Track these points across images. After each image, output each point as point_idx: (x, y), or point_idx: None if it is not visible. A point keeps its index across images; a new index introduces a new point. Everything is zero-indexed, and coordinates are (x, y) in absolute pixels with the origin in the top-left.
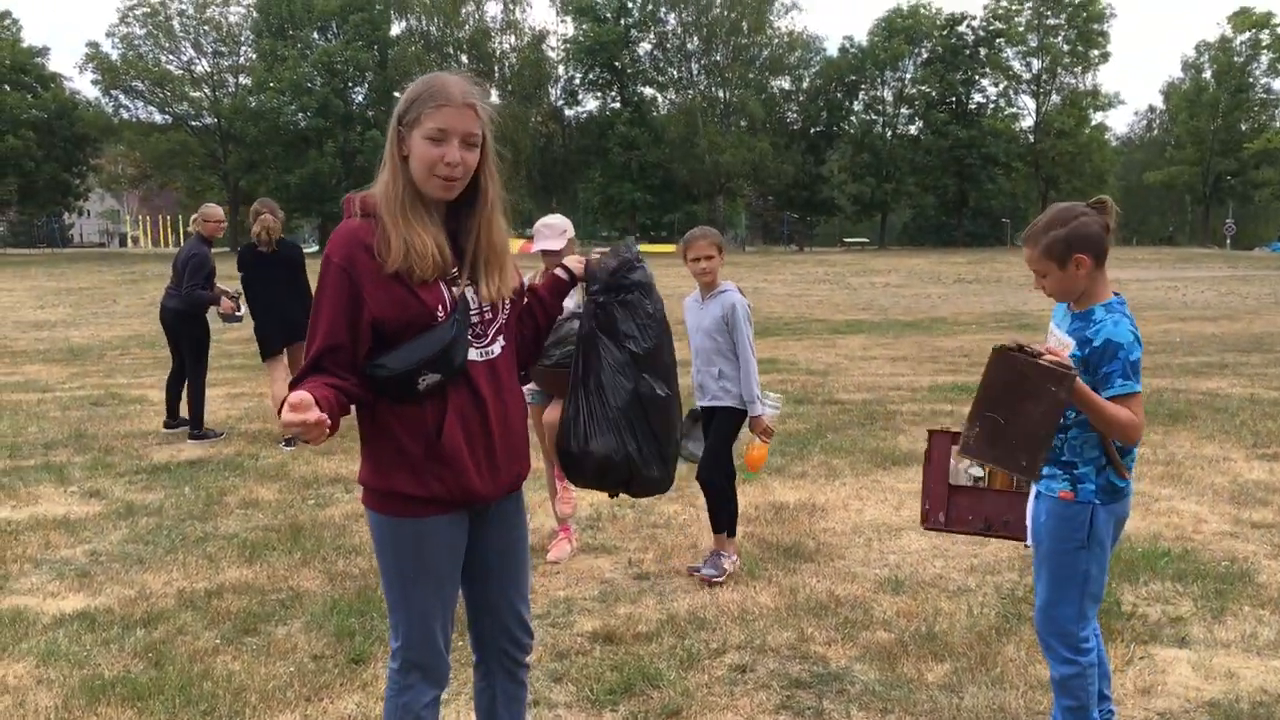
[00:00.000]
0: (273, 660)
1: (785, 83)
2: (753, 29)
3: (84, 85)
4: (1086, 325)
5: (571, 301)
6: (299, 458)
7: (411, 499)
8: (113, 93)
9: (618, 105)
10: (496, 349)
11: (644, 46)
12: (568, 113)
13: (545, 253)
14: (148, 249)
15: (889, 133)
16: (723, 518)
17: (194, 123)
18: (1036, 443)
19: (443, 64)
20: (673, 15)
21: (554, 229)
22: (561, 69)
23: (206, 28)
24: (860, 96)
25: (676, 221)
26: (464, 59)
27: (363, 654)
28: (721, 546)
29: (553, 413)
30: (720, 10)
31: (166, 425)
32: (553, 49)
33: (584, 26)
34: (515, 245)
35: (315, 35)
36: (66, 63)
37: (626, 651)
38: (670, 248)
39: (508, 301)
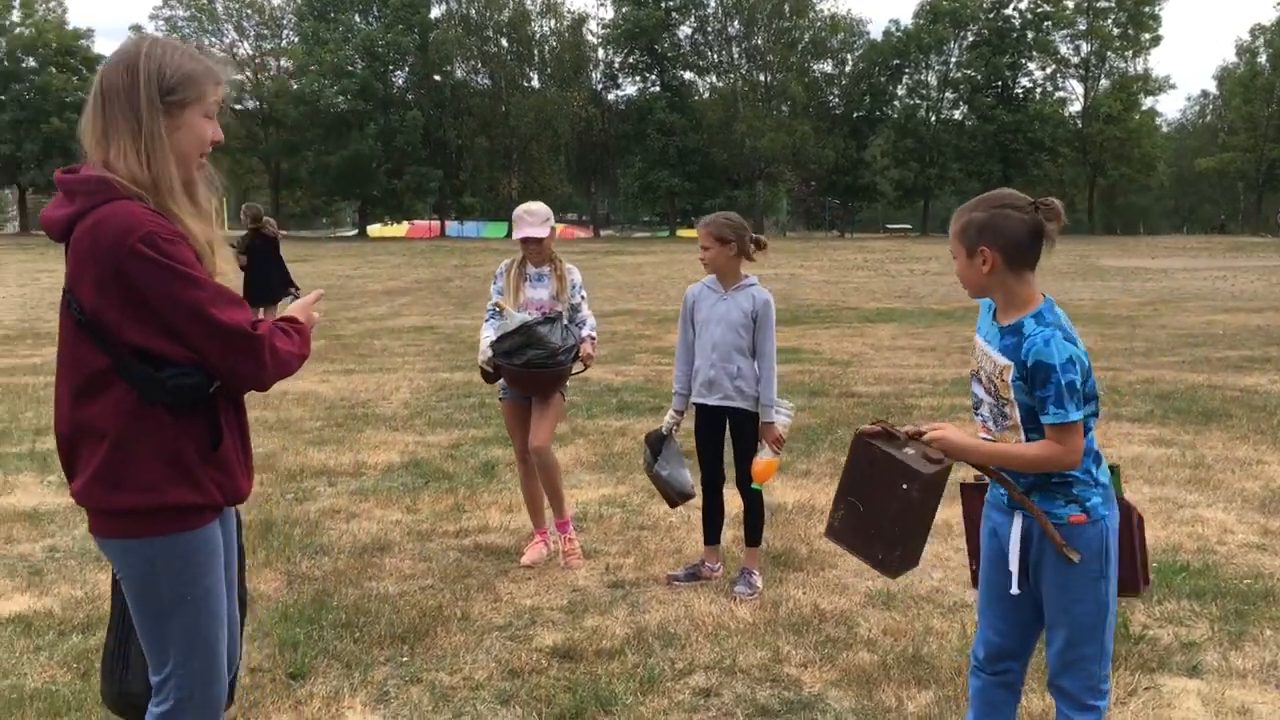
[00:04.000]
0: None
1: (827, 66)
2: (795, 11)
3: None
4: (1019, 342)
5: (545, 292)
6: (288, 448)
7: (188, 509)
8: None
9: (657, 89)
10: None
11: (684, 30)
12: (607, 97)
13: (528, 240)
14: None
15: (933, 117)
16: (758, 530)
17: (235, 105)
18: (892, 538)
19: (482, 47)
20: None
21: (536, 216)
22: (601, 52)
23: (249, 10)
24: (904, 80)
25: (716, 207)
26: (504, 42)
27: (302, 669)
28: (754, 562)
29: (537, 438)
30: None
31: None
32: (593, 33)
33: (624, 10)
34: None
35: (357, 18)
36: (111, 45)
37: (585, 670)
38: None
39: None
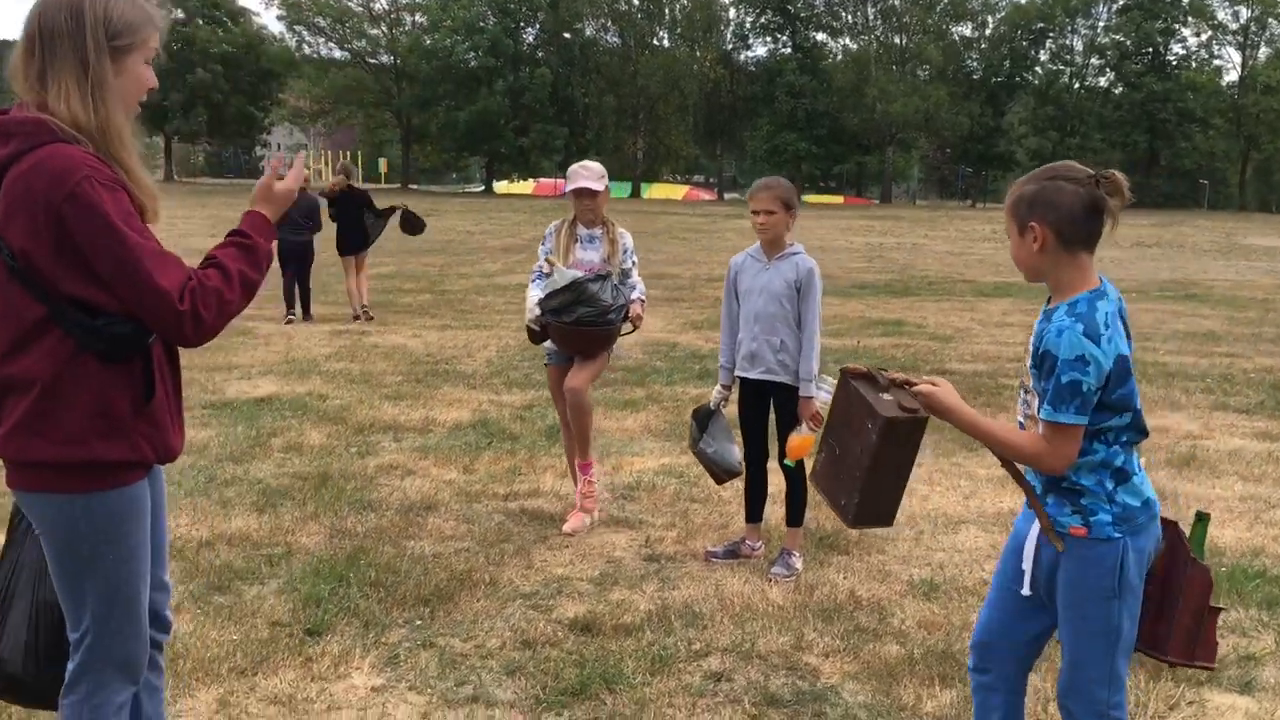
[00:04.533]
0: (227, 625)
1: (966, 29)
2: None
3: (270, 21)
4: (1044, 329)
5: (596, 255)
6: (364, 401)
7: (117, 465)
8: (296, 28)
9: (788, 51)
10: None
11: None
12: (737, 58)
13: (582, 192)
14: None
15: (1076, 84)
16: (799, 510)
17: (370, 60)
18: (852, 483)
19: (613, 4)
20: None
21: (592, 171)
22: (732, 12)
23: None
24: (1047, 45)
25: (845, 173)
26: (635, 0)
27: (321, 625)
28: (794, 543)
29: (575, 379)
30: None
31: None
32: None
33: None
34: (679, 192)
35: None
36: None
37: (600, 646)
38: (838, 199)
39: None
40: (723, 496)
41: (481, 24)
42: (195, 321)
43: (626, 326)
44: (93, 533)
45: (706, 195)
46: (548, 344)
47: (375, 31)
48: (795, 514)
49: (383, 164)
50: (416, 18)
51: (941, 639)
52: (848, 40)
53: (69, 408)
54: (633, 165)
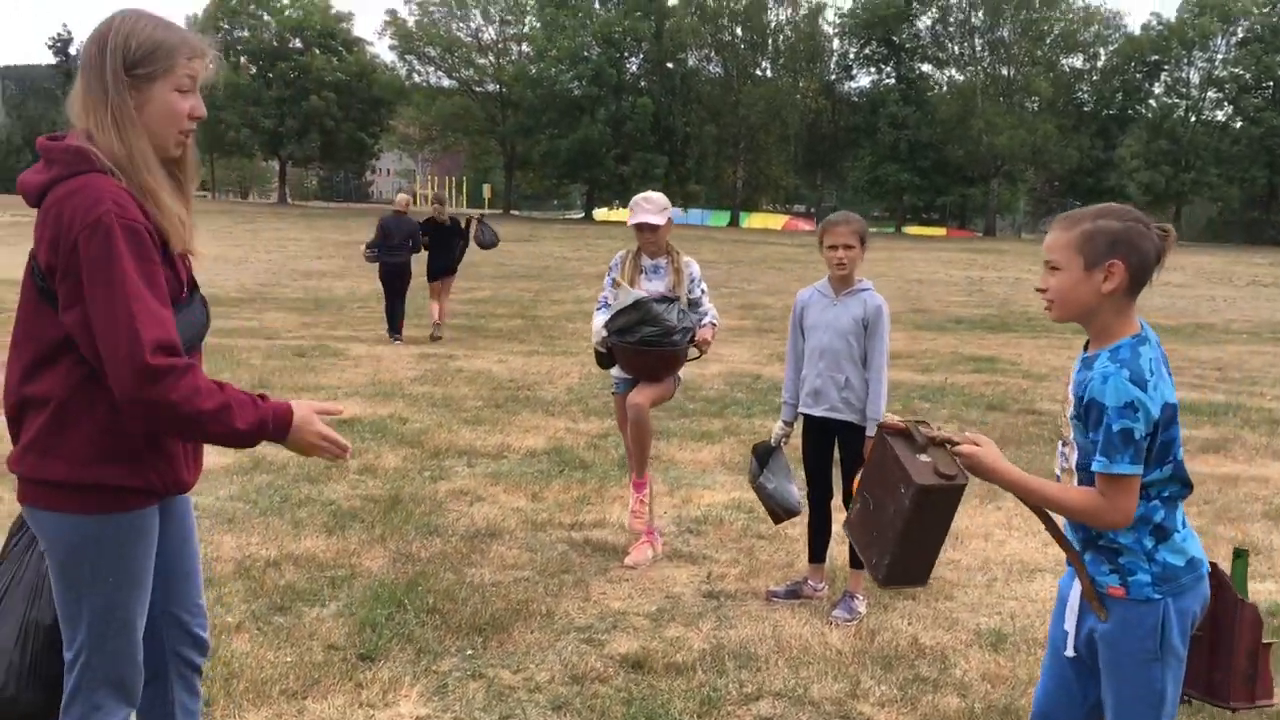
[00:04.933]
0: (283, 646)
1: (1077, 61)
2: (1044, 2)
3: (382, 50)
4: (1086, 377)
5: (662, 285)
6: (443, 425)
7: (123, 491)
8: (406, 58)
9: (891, 81)
10: None
11: (925, 21)
12: (840, 88)
13: (643, 227)
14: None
15: (1192, 118)
16: None
17: (477, 88)
18: (885, 544)
19: (716, 35)
20: None
21: (654, 204)
22: (836, 43)
23: None
24: (1162, 78)
25: (949, 205)
26: (739, 30)
27: (374, 650)
28: (857, 586)
29: (638, 395)
30: None
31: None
32: (829, 22)
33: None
34: (778, 222)
35: (596, 5)
36: (368, 28)
37: (650, 684)
38: (941, 231)
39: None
40: (790, 534)
41: (586, 54)
42: (153, 384)
43: (693, 352)
44: (95, 555)
45: (806, 225)
46: (615, 371)
47: (483, 61)
48: (859, 557)
49: (487, 190)
50: (523, 47)
51: (1005, 693)
52: (954, 71)
53: (80, 429)
54: (732, 194)
